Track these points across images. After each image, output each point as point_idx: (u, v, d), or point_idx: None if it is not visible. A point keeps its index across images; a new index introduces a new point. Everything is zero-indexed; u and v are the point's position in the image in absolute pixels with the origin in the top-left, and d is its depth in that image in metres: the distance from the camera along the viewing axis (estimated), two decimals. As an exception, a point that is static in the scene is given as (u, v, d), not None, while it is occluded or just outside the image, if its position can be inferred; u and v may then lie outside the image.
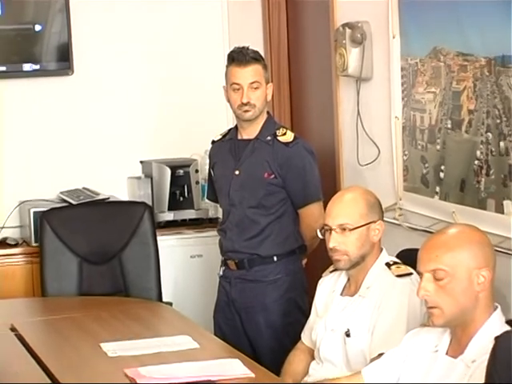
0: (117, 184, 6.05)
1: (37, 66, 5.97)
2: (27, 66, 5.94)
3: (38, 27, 5.94)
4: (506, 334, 2.79)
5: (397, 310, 3.59)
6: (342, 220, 3.71)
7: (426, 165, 4.47)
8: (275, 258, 4.51)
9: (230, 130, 4.75)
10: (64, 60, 5.97)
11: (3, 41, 5.91)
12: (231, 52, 4.57)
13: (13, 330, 4.34)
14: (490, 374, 2.68)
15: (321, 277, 4.01)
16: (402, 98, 4.62)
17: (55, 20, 5.94)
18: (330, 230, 3.73)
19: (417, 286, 3.28)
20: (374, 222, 3.74)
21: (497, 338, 2.72)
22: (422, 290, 3.01)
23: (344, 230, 3.70)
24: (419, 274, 3.05)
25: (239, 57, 4.48)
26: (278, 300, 4.50)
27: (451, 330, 3.05)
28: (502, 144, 3.90)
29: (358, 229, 3.70)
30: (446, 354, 3.04)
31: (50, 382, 3.62)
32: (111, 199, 5.81)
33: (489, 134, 3.98)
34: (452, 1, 4.14)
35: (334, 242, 3.71)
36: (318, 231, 3.83)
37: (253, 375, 3.56)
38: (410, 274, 3.61)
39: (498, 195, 3.95)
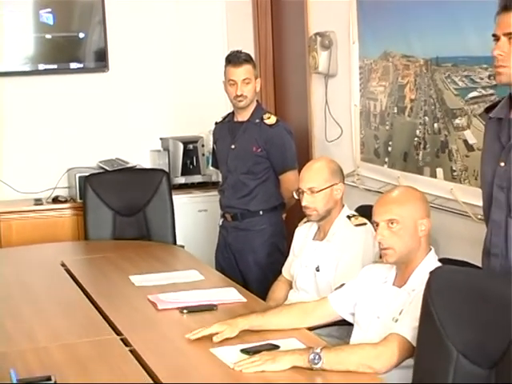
0: (142, 155, 6.02)
1: (80, 65, 5.92)
2: (73, 65, 5.90)
3: (81, 35, 5.89)
4: (438, 269, 2.79)
5: (355, 250, 3.59)
6: (310, 184, 3.70)
7: (378, 141, 4.46)
8: (261, 212, 4.49)
9: (228, 114, 4.71)
10: (101, 60, 5.93)
11: (54, 45, 5.85)
12: (228, 55, 4.54)
13: (63, 265, 4.35)
14: (425, 300, 2.68)
15: (297, 226, 4.00)
16: (360, 90, 4.61)
17: (95, 29, 5.90)
18: (303, 192, 3.72)
19: (370, 233, 3.29)
20: (336, 184, 3.72)
21: (431, 272, 2.73)
22: (379, 236, 2.99)
23: (312, 192, 3.69)
24: (375, 223, 3.04)
25: (234, 59, 4.46)
26: (263, 244, 4.48)
27: (397, 265, 3.04)
28: (435, 125, 3.90)
29: (323, 190, 3.68)
30: (393, 284, 3.03)
31: (90, 304, 3.62)
32: (138, 167, 5.80)
33: (426, 117, 3.98)
34: (398, 16, 4.12)
35: (305, 201, 3.71)
36: (294, 193, 3.82)
37: (245, 300, 3.57)
38: (365, 223, 3.62)
39: (432, 164, 3.95)
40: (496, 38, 2.67)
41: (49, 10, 5.79)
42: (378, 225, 3.01)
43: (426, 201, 3.10)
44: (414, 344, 2.72)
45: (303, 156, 4.74)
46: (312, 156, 5.10)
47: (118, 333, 3.20)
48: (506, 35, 2.64)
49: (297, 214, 4.07)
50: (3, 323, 3.39)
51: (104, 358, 2.94)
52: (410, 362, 2.72)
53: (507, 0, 2.64)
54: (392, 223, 2.97)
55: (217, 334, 2.96)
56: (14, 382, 2.43)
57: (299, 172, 3.92)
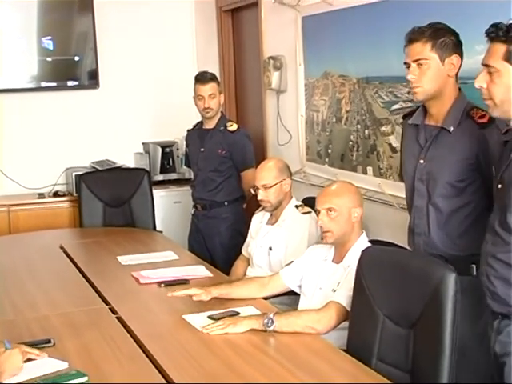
0: (127, 157, 5.96)
1: (76, 83, 5.85)
2: (70, 83, 5.83)
3: (77, 58, 5.82)
4: (368, 249, 2.81)
5: (301, 234, 3.59)
6: (263, 182, 3.69)
7: (320, 145, 4.47)
8: (226, 203, 4.48)
9: (198, 123, 4.69)
10: (93, 79, 5.86)
11: (54, 66, 5.77)
12: (196, 75, 4.53)
13: (61, 248, 4.30)
14: (357, 273, 2.70)
15: (254, 213, 3.99)
16: (305, 103, 4.61)
17: (88, 54, 5.82)
18: (258, 188, 3.71)
19: (314, 219, 3.30)
20: (285, 179, 3.71)
21: (362, 251, 2.75)
22: (320, 221, 3.02)
23: (266, 188, 3.68)
24: (317, 211, 3.05)
25: (202, 78, 4.45)
26: (227, 229, 4.47)
27: (335, 246, 3.05)
28: (366, 132, 3.92)
29: (274, 186, 3.68)
30: (332, 261, 3.04)
31: (83, 279, 3.60)
32: (124, 167, 5.74)
33: (358, 125, 3.99)
34: (336, 43, 4.14)
35: (260, 196, 3.70)
36: (252, 190, 3.81)
37: (212, 275, 3.57)
38: (310, 212, 3.61)
39: (363, 163, 3.97)
40: (407, 65, 2.73)
41: (49, 37, 5.74)
42: (319, 212, 3.03)
43: (359, 193, 3.11)
44: (349, 309, 2.73)
45: (259, 156, 4.73)
46: (267, 156, 5.09)
47: (107, 303, 3.18)
48: (414, 61, 2.71)
49: (254, 204, 4.07)
50: (11, 296, 3.36)
51: (95, 323, 2.92)
52: (346, 324, 2.73)
53: (411, 34, 2.72)
54: (330, 211, 2.99)
55: (194, 295, 2.98)
56: (8, 348, 2.40)
57: (257, 169, 3.92)
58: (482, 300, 2.60)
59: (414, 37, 2.70)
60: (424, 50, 2.67)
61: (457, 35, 2.70)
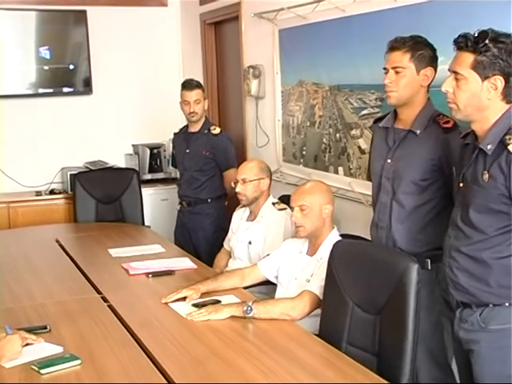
0: (118, 158, 5.92)
1: (71, 89, 5.81)
2: (65, 89, 5.78)
3: (71, 66, 5.78)
4: (339, 242, 2.81)
5: (278, 229, 3.59)
6: (243, 176, 3.69)
7: (295, 147, 4.47)
8: (209, 200, 4.46)
9: (184, 126, 4.68)
10: (87, 86, 5.82)
11: (50, 74, 5.72)
12: (183, 82, 4.52)
13: (57, 241, 4.27)
14: (329, 265, 2.71)
15: (235, 210, 3.98)
16: (282, 109, 4.61)
17: (82, 63, 5.78)
18: (237, 181, 3.71)
19: (289, 215, 3.30)
20: (264, 178, 3.71)
21: (334, 245, 2.75)
22: (294, 217, 3.02)
23: (244, 182, 3.68)
24: (292, 207, 3.05)
25: (188, 85, 4.44)
26: (210, 224, 4.45)
27: (309, 239, 3.05)
28: (337, 135, 3.93)
29: (252, 182, 3.68)
30: (306, 254, 3.05)
31: (77, 270, 3.58)
32: (115, 167, 5.70)
33: (330, 129, 4.00)
34: (310, 54, 4.14)
35: (238, 188, 3.70)
36: (232, 183, 3.81)
37: (196, 267, 3.56)
38: (286, 208, 3.61)
39: (335, 164, 3.98)
40: (386, 70, 2.74)
41: (46, 47, 5.69)
42: (293, 209, 3.04)
43: (330, 191, 3.12)
44: (321, 298, 2.74)
45: (240, 157, 4.73)
46: (247, 157, 5.07)
47: (99, 292, 3.17)
48: (393, 68, 2.73)
49: (235, 201, 4.06)
50: (10, 286, 3.33)
51: (88, 311, 2.90)
52: (318, 311, 2.74)
53: (393, 43, 2.73)
54: (303, 208, 2.99)
55: (186, 297, 2.93)
56: (9, 333, 2.39)
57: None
58: (434, 292, 2.63)
59: (395, 45, 2.72)
60: (403, 59, 2.69)
61: (434, 50, 2.72)
